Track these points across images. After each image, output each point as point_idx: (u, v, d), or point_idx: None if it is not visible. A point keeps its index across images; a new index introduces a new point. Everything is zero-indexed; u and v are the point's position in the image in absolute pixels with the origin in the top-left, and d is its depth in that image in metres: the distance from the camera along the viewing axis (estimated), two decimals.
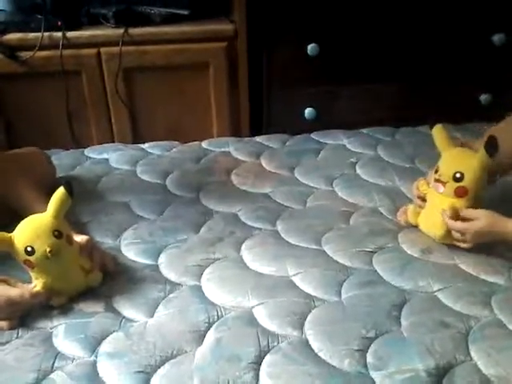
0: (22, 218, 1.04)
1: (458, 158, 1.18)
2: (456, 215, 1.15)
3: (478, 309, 1.02)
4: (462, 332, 0.96)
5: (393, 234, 1.25)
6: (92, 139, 1.79)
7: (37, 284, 1.00)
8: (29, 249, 0.98)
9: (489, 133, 1.23)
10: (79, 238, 1.08)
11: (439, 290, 1.07)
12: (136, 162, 1.59)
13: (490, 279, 1.10)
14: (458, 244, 1.17)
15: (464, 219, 1.14)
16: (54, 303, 1.03)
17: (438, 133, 1.23)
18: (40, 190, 1.21)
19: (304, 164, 1.58)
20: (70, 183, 1.02)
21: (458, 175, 1.16)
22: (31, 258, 0.99)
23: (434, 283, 1.09)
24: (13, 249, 0.99)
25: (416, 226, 1.26)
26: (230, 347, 0.93)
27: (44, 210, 1.04)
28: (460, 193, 1.16)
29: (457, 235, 1.16)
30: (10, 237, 0.98)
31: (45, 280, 1.01)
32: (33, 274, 1.02)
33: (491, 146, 1.12)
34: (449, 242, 1.19)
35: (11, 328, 0.99)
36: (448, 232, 1.17)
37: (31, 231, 0.99)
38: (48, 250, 0.98)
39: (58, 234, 1.00)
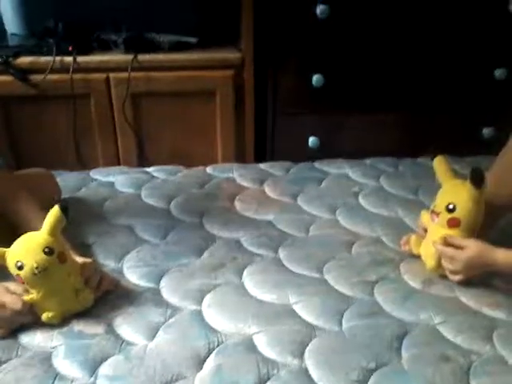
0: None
1: (452, 189, 1.21)
2: (446, 243, 1.16)
3: (480, 343, 1.02)
4: (463, 366, 0.96)
5: (394, 264, 1.26)
6: (98, 161, 1.80)
7: (27, 296, 1.02)
8: (19, 264, 1.00)
9: (492, 174, 1.25)
10: (81, 260, 1.09)
11: (440, 322, 1.07)
12: (141, 186, 1.60)
13: (492, 313, 1.10)
14: (450, 276, 1.17)
15: (454, 247, 1.15)
16: (44, 318, 1.03)
17: (438, 164, 1.25)
18: (43, 209, 1.21)
19: (307, 192, 1.59)
20: (66, 202, 1.05)
21: (450, 206, 1.18)
22: (21, 273, 1.01)
23: (435, 316, 1.09)
24: (5, 263, 1.01)
25: (419, 256, 1.26)
26: (230, 374, 0.93)
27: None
28: (452, 223, 1.18)
29: (447, 265, 1.17)
30: (4, 252, 1.01)
31: (33, 295, 1.02)
32: (25, 288, 1.04)
33: (476, 179, 1.13)
34: (441, 273, 1.19)
35: (1, 337, 1.00)
36: (439, 263, 1.19)
37: (22, 247, 1.02)
38: (35, 265, 1.00)
39: (48, 250, 1.02)
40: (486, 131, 1.97)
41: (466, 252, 1.13)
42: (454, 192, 1.19)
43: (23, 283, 1.02)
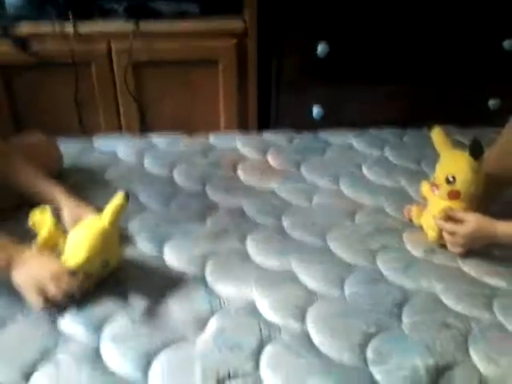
0: (25, 199, 1.10)
1: (451, 161, 1.20)
2: (447, 217, 1.16)
3: (479, 311, 1.03)
4: (462, 333, 0.97)
5: (397, 233, 1.26)
6: (100, 129, 1.79)
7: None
8: (104, 264, 1.03)
9: (497, 147, 1.25)
10: None
11: (441, 290, 1.08)
12: (143, 154, 1.60)
13: (492, 282, 1.11)
14: (451, 248, 1.18)
15: (454, 221, 1.16)
16: (87, 286, 1.03)
17: (436, 135, 1.25)
18: (43, 171, 1.22)
19: (310, 162, 1.59)
20: (128, 194, 1.05)
21: (450, 178, 1.18)
22: (105, 269, 1.04)
23: (437, 284, 1.10)
24: (90, 267, 1.01)
25: (421, 226, 1.26)
26: (232, 336, 0.94)
27: (46, 187, 1.13)
28: (452, 196, 1.18)
29: (448, 238, 1.18)
30: (88, 257, 1.00)
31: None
32: None
33: (475, 150, 1.14)
34: (442, 243, 1.20)
35: (42, 307, 0.98)
36: (440, 234, 1.19)
37: (105, 247, 1.02)
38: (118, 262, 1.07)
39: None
40: (492, 102, 1.95)
41: (466, 226, 1.13)
42: (453, 163, 1.19)
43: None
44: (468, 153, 1.15)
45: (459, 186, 1.17)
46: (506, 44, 1.86)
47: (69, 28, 1.66)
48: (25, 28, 1.67)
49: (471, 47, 1.87)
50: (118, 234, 1.07)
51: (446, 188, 1.19)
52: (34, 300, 0.97)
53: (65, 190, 1.20)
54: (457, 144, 1.25)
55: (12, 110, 1.75)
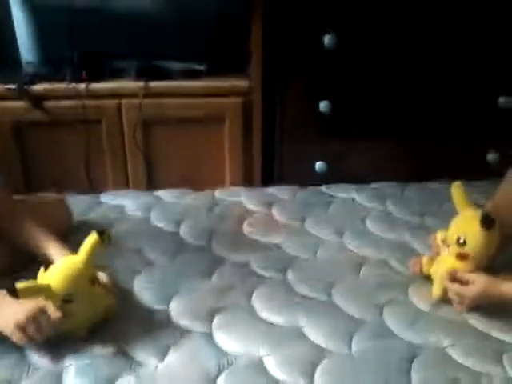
0: (34, 259, 1.09)
1: (465, 222, 1.20)
2: (454, 278, 1.17)
3: (490, 365, 1.02)
4: None
5: (403, 286, 1.26)
6: (108, 185, 1.83)
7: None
8: (67, 297, 1.02)
9: (492, 203, 1.27)
10: (103, 276, 1.11)
11: (450, 345, 1.07)
12: (150, 209, 1.62)
13: (501, 336, 1.10)
14: (456, 306, 1.18)
15: (461, 282, 1.16)
16: (78, 334, 1.05)
17: (456, 191, 1.25)
18: (52, 232, 1.23)
19: (314, 216, 1.61)
20: (104, 231, 1.06)
21: (460, 240, 1.18)
22: (67, 305, 1.02)
23: (444, 338, 1.09)
24: (50, 297, 1.01)
25: (427, 278, 1.27)
26: None
27: (56, 251, 1.11)
28: (461, 257, 1.19)
29: (453, 298, 1.18)
30: (49, 285, 1.01)
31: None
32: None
33: (486, 223, 1.14)
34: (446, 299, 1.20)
35: (20, 340, 1.00)
36: (445, 293, 1.20)
37: (69, 279, 1.02)
38: (86, 299, 1.04)
39: (92, 280, 1.05)
40: (491, 156, 1.99)
41: (473, 288, 1.14)
42: (466, 225, 1.19)
43: (65, 313, 1.03)
44: (480, 226, 1.15)
45: (469, 249, 1.18)
46: (501, 101, 1.91)
47: (82, 87, 1.73)
48: (40, 87, 1.73)
49: (468, 103, 1.92)
50: (93, 274, 1.06)
51: (455, 248, 1.20)
52: (13, 337, 0.99)
53: (62, 252, 1.16)
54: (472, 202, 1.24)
55: (23, 166, 1.80)
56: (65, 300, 1.02)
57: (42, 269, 1.07)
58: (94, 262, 1.07)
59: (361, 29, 1.81)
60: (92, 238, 1.05)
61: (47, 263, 1.12)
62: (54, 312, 1.02)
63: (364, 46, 1.83)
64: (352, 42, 1.82)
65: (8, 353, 1.02)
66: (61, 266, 1.05)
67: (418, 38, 1.83)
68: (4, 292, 0.98)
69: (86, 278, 1.04)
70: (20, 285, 0.96)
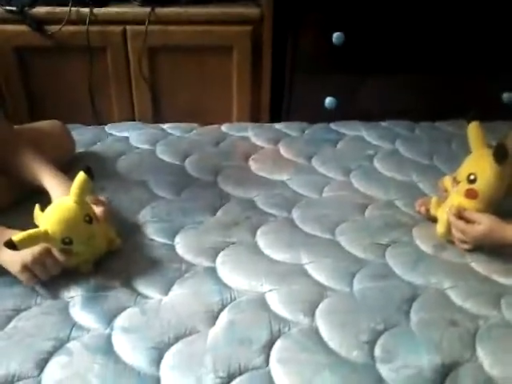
0: (31, 191, 1.11)
1: (477, 159, 1.19)
2: (460, 215, 1.16)
3: (487, 308, 1.03)
4: (469, 331, 0.98)
5: (407, 228, 1.26)
6: (113, 116, 1.80)
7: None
8: (66, 240, 1.02)
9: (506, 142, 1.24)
10: (98, 210, 1.11)
11: (450, 287, 1.09)
12: (156, 142, 1.60)
13: (501, 280, 1.11)
14: (458, 244, 1.19)
15: (467, 220, 1.16)
16: (83, 270, 1.07)
17: (472, 130, 1.22)
18: (52, 162, 1.21)
19: (322, 153, 1.59)
20: (89, 168, 1.05)
21: (471, 177, 1.17)
22: (69, 247, 1.03)
23: (445, 280, 1.10)
24: (49, 242, 1.02)
25: (432, 221, 1.26)
26: (243, 330, 0.96)
27: (52, 183, 1.12)
28: (470, 195, 1.17)
29: (457, 235, 1.18)
30: (46, 231, 1.01)
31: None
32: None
33: (499, 154, 1.12)
34: (450, 239, 1.20)
35: (29, 283, 1.02)
36: (449, 230, 1.19)
37: (65, 223, 1.02)
38: (85, 238, 1.04)
39: (88, 219, 1.05)
40: (506, 95, 1.93)
41: (478, 227, 1.14)
42: (478, 163, 1.18)
43: (70, 254, 1.05)
44: (491, 158, 1.13)
45: (479, 186, 1.16)
46: None
47: (85, 12, 1.66)
48: (41, 10, 1.66)
49: (486, 39, 1.84)
50: (88, 212, 1.05)
51: (465, 185, 1.18)
52: (20, 277, 1.02)
53: (57, 180, 1.16)
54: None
55: (26, 92, 1.76)
56: (64, 242, 1.02)
57: (36, 206, 1.07)
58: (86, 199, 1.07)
59: None
60: (80, 177, 1.04)
61: (46, 196, 1.13)
62: (57, 253, 1.03)
63: None
64: None
65: (16, 283, 1.04)
66: (55, 210, 1.04)
67: None
68: (8, 232, 0.98)
69: (81, 217, 1.03)
70: (17, 237, 0.96)
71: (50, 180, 1.15)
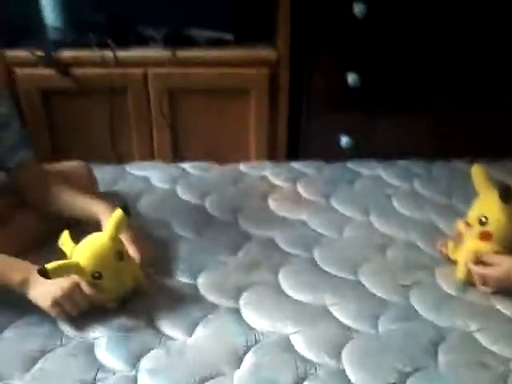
0: (64, 221, 1.14)
1: (485, 201, 1.20)
2: (478, 259, 1.16)
3: None
4: (501, 374, 0.96)
5: (429, 269, 1.26)
6: (133, 155, 1.83)
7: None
8: (96, 274, 1.04)
9: None
10: (131, 250, 1.13)
11: (477, 330, 1.07)
12: (176, 181, 1.62)
13: None
14: (480, 288, 1.18)
15: (485, 263, 1.15)
16: (109, 306, 1.08)
17: (476, 173, 1.24)
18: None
19: (340, 193, 1.60)
20: (126, 205, 1.08)
21: (482, 219, 1.17)
22: (98, 281, 1.05)
23: (471, 323, 1.09)
24: (80, 274, 1.04)
25: (454, 261, 1.26)
26: (269, 372, 0.95)
27: (87, 203, 1.17)
28: (484, 237, 1.18)
29: (478, 280, 1.18)
30: (78, 263, 1.03)
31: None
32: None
33: (504, 195, 1.13)
34: (471, 281, 1.20)
35: (58, 315, 1.03)
36: (469, 275, 1.19)
37: (96, 257, 1.04)
38: (113, 274, 1.06)
39: (119, 256, 1.06)
40: None
41: (497, 270, 1.14)
42: (486, 204, 1.19)
43: (97, 289, 1.06)
44: (498, 198, 1.14)
45: (491, 227, 1.17)
46: None
47: (108, 54, 1.71)
48: (66, 54, 1.72)
49: (498, 78, 1.87)
50: (120, 249, 1.07)
51: (477, 228, 1.19)
52: (50, 311, 1.03)
53: (105, 206, 1.20)
54: (495, 182, 1.23)
55: (50, 132, 1.80)
56: (94, 276, 1.04)
57: (66, 232, 1.10)
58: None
59: None
60: (117, 214, 1.06)
61: (85, 218, 1.18)
62: (86, 288, 1.04)
63: (394, 16, 1.78)
64: (382, 11, 1.76)
65: (41, 323, 1.04)
66: (89, 244, 1.06)
67: (448, 9, 1.77)
68: (36, 268, 1.00)
69: (112, 253, 1.06)
70: (50, 265, 0.98)
71: (102, 208, 1.18)
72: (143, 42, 1.81)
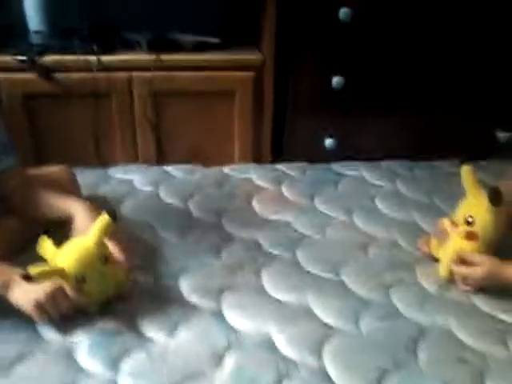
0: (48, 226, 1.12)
1: (473, 202, 1.21)
2: (461, 259, 1.18)
3: (495, 347, 1.03)
4: (479, 369, 0.98)
5: (410, 267, 1.27)
6: (117, 159, 1.82)
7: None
8: (80, 278, 1.04)
9: (502, 183, 1.27)
10: (116, 253, 1.12)
11: (456, 326, 1.09)
12: (159, 184, 1.62)
13: (506, 318, 1.12)
14: (462, 287, 1.20)
15: (468, 263, 1.17)
16: (91, 310, 1.08)
17: (466, 174, 1.25)
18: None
19: (324, 194, 1.61)
20: (114, 211, 1.08)
21: (469, 219, 1.19)
22: (82, 285, 1.04)
23: (451, 320, 1.10)
24: (64, 278, 1.04)
25: (435, 260, 1.27)
26: (250, 372, 0.95)
27: (81, 208, 1.16)
28: (469, 237, 1.20)
29: (459, 279, 1.20)
30: (62, 268, 1.03)
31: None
32: None
33: (494, 197, 1.15)
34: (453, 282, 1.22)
35: (39, 318, 1.03)
36: (451, 274, 1.21)
37: (80, 261, 1.04)
38: (98, 277, 1.06)
39: (104, 260, 1.07)
40: (501, 135, 1.97)
41: (478, 270, 1.16)
42: (474, 205, 1.20)
43: (82, 291, 1.06)
44: (487, 201, 1.16)
45: (477, 228, 1.19)
46: None
47: (92, 59, 1.71)
48: (50, 58, 1.71)
49: (482, 80, 1.90)
50: (105, 253, 1.07)
51: (464, 228, 1.20)
52: (32, 314, 1.02)
53: (83, 205, 1.20)
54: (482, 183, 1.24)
55: (33, 139, 1.79)
56: (78, 280, 1.04)
57: (44, 237, 1.09)
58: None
59: (377, 1, 1.77)
60: (103, 219, 1.06)
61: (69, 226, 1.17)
62: (70, 291, 1.04)
63: (379, 20, 1.79)
64: (367, 16, 1.78)
65: (21, 327, 1.04)
66: (73, 248, 1.06)
67: (432, 12, 1.79)
68: (20, 271, 1.00)
69: (97, 258, 1.06)
70: (34, 270, 0.98)
71: (76, 205, 1.19)
72: (128, 46, 1.80)
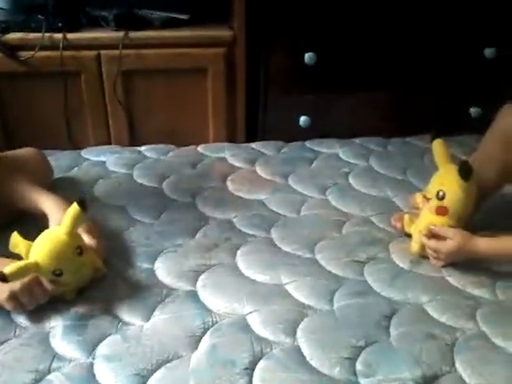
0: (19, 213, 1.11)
1: (444, 176, 1.22)
2: (431, 233, 1.20)
3: (464, 321, 1.06)
4: (448, 343, 1.00)
5: (383, 244, 1.29)
6: (89, 140, 1.79)
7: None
8: (57, 272, 1.03)
9: (472, 157, 1.29)
10: (89, 240, 1.12)
11: (427, 302, 1.11)
12: (133, 166, 1.61)
13: (476, 292, 1.14)
14: (433, 262, 1.22)
15: (438, 237, 1.19)
16: (67, 297, 1.07)
17: (437, 147, 1.26)
18: (35, 184, 1.23)
19: (298, 172, 1.61)
20: (83, 200, 1.05)
21: (440, 194, 1.20)
22: (59, 279, 1.04)
23: (422, 295, 1.13)
24: (40, 273, 1.02)
25: (408, 236, 1.29)
26: (225, 353, 0.96)
27: (52, 204, 1.13)
28: (440, 211, 1.21)
29: (430, 253, 1.22)
30: (37, 263, 1.01)
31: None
32: None
33: (464, 171, 1.17)
34: (425, 255, 1.24)
35: (13, 309, 1.02)
36: (423, 248, 1.23)
37: (56, 255, 1.02)
38: (74, 269, 1.05)
39: (79, 251, 1.05)
40: (474, 110, 1.99)
41: (449, 244, 1.17)
42: (445, 179, 1.21)
43: (59, 285, 1.06)
44: (457, 175, 1.17)
45: (448, 202, 1.20)
46: (487, 52, 1.89)
47: (58, 37, 1.66)
48: (14, 36, 1.66)
49: (453, 56, 1.90)
50: (79, 244, 1.06)
51: (435, 202, 1.22)
52: (6, 305, 1.02)
53: (56, 203, 1.18)
54: (454, 158, 1.26)
55: (1, 121, 1.74)
56: (55, 274, 1.03)
57: (15, 233, 1.06)
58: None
59: None
60: (73, 209, 1.04)
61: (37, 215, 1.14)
62: (47, 283, 1.03)
63: None
64: None
65: None
66: (46, 242, 1.04)
67: None
68: None
69: (71, 249, 1.04)
70: (7, 269, 0.96)
71: (49, 204, 1.16)
72: (95, 23, 1.76)
